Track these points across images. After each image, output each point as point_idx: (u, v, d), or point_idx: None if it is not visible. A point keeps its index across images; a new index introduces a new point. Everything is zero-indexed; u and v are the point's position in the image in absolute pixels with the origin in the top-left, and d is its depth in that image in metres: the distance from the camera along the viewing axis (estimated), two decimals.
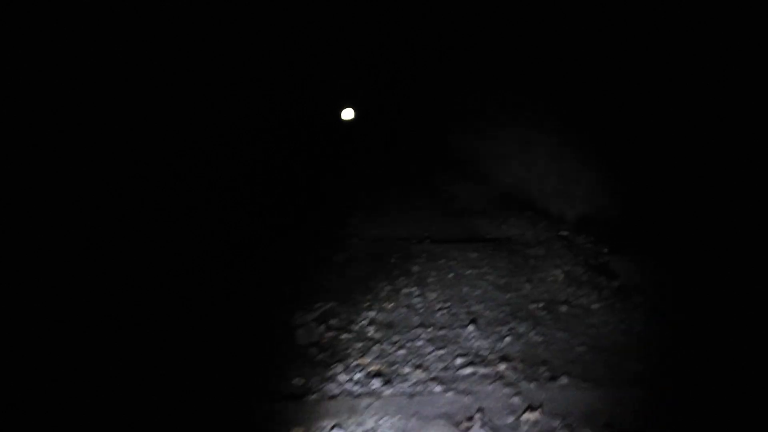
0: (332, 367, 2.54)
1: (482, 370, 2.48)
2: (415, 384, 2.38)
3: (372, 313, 3.11)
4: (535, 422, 2.10)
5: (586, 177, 4.49)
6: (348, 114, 8.57)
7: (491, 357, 2.61)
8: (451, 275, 3.67)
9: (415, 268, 3.79)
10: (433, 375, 2.46)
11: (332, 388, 2.36)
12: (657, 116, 3.53)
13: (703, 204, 3.20)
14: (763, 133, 2.81)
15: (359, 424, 2.11)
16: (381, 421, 2.12)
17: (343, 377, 2.44)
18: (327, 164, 7.85)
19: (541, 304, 3.21)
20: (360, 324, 2.99)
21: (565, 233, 4.46)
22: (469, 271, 3.73)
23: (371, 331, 2.90)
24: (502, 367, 2.51)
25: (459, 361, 2.58)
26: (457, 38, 6.75)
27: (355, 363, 2.57)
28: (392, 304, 3.23)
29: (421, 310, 3.16)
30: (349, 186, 6.67)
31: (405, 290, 3.43)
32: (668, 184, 3.50)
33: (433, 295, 3.36)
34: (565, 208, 4.88)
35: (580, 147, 4.60)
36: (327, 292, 3.39)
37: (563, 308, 3.15)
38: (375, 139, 8.95)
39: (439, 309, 3.17)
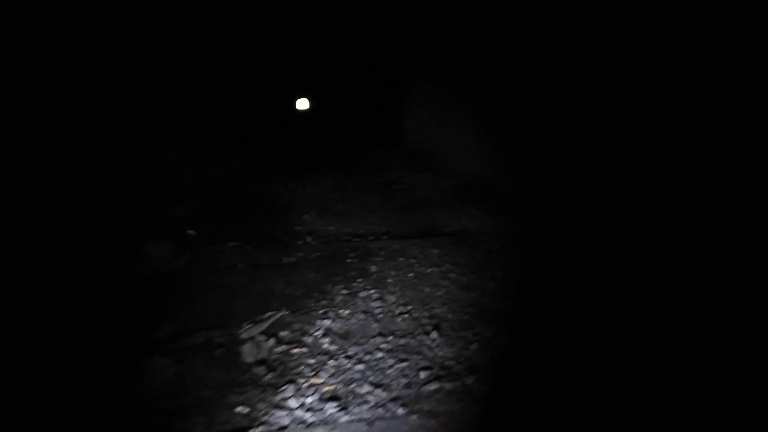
0: (282, 389, 2.25)
1: (448, 386, 2.26)
2: (375, 406, 2.14)
3: (327, 322, 2.83)
4: None
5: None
6: (303, 104, 8.19)
7: (458, 369, 2.40)
8: (411, 275, 3.44)
9: (373, 268, 3.54)
10: (394, 394, 2.22)
11: (281, 417, 2.08)
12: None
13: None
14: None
15: None
16: None
17: (293, 402, 2.16)
18: (282, 157, 7.42)
19: (507, 303, 3.03)
20: (313, 335, 2.70)
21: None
22: (430, 270, 3.51)
23: (326, 344, 2.63)
24: (470, 380, 2.30)
25: (423, 375, 2.35)
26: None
27: (307, 384, 2.29)
28: (349, 311, 2.96)
29: (380, 316, 2.91)
30: (299, 179, 6.33)
31: (362, 293, 3.17)
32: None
33: (392, 298, 3.12)
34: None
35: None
36: (277, 299, 3.08)
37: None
38: (327, 130, 8.55)
39: (400, 314, 2.93)
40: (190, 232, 4.15)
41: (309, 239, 4.22)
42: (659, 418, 2.01)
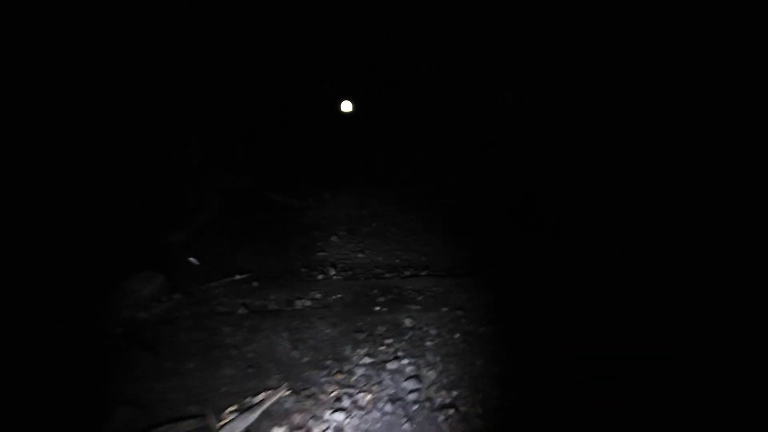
0: None
1: None
2: None
3: (339, 417, 2.03)
4: None
5: None
6: (346, 107, 7.58)
7: None
8: (457, 335, 2.60)
9: (408, 322, 2.72)
10: None
11: None
12: None
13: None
14: None
15: None
16: None
17: None
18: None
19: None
20: None
21: None
22: (483, 329, 2.65)
23: None
24: None
25: None
26: None
27: None
28: (371, 396, 2.16)
29: (414, 410, 2.09)
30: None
31: (391, 364, 2.35)
32: None
33: (431, 375, 2.28)
34: None
35: None
36: (277, 368, 2.31)
37: None
38: None
39: (442, 407, 2.09)
40: (192, 260, 3.46)
41: (332, 272, 3.44)
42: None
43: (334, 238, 4.06)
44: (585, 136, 4.14)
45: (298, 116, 7.13)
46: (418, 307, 2.90)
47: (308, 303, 2.96)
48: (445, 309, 2.86)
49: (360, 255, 3.76)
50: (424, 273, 3.42)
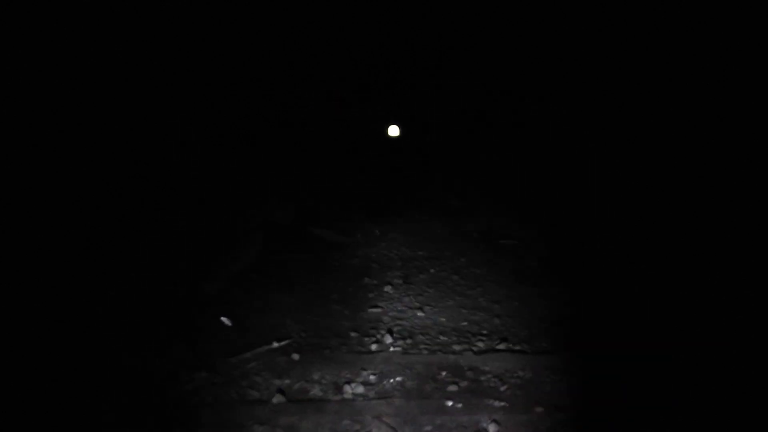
0: None
1: None
2: None
3: None
4: None
5: None
6: (393, 131, 7.23)
7: None
8: None
9: (493, 429, 2.06)
10: None
11: None
12: None
13: None
14: None
15: None
16: None
17: None
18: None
19: None
20: None
21: None
22: None
23: None
24: None
25: None
26: None
27: None
28: None
29: None
30: None
31: None
32: None
33: None
34: None
35: None
36: None
37: None
38: None
39: None
40: (224, 320, 2.91)
41: (388, 340, 2.79)
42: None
43: (388, 288, 3.43)
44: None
45: (335, 135, 6.84)
46: (502, 403, 2.22)
47: (360, 389, 2.34)
48: (539, 409, 2.17)
49: (420, 313, 3.11)
50: (501, 346, 2.72)
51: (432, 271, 3.72)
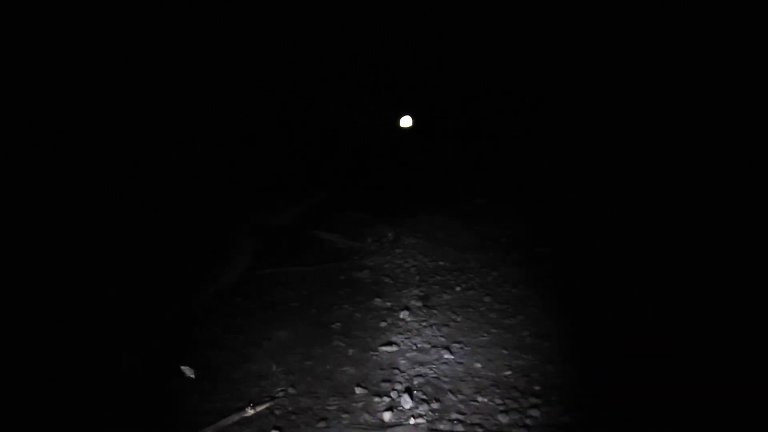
0: None
1: None
2: None
3: None
4: None
5: None
6: (406, 122, 7.33)
7: None
8: None
9: None
10: None
11: None
12: None
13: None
14: None
15: None
16: None
17: None
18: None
19: None
20: None
21: None
22: None
23: None
24: None
25: None
26: None
27: None
28: None
29: None
30: None
31: None
32: None
33: None
34: None
35: None
36: None
37: None
38: None
39: None
40: (185, 370, 2.36)
41: (406, 405, 2.12)
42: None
43: (404, 314, 2.85)
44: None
45: (346, 132, 6.81)
46: None
47: None
48: None
49: (447, 355, 2.47)
50: (566, 418, 2.02)
51: (457, 289, 3.16)
